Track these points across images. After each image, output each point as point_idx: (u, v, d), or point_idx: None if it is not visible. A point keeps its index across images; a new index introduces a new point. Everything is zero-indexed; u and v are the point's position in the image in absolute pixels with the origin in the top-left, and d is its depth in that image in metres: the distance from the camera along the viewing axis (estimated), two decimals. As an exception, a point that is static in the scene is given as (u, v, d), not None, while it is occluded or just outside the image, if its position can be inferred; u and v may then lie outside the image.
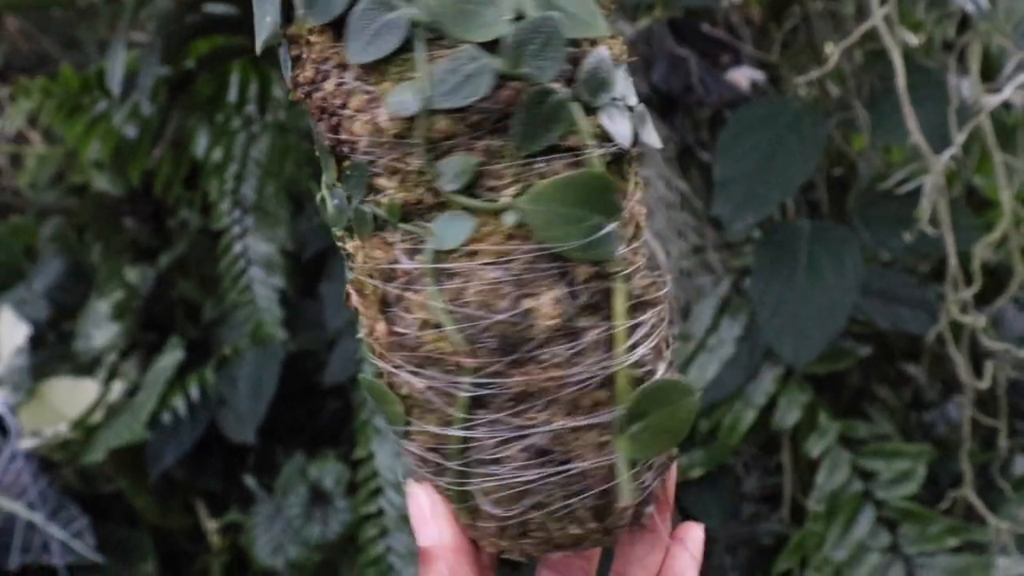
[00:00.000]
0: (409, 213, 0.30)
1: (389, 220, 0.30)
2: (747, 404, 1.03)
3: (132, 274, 1.65)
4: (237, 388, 1.36)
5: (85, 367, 1.66)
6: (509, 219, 0.29)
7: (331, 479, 1.28)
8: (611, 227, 0.30)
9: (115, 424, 1.45)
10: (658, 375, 0.32)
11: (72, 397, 1.65)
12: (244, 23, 1.07)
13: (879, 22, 0.74)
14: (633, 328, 0.30)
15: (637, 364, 0.31)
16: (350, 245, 0.32)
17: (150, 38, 0.94)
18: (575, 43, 0.30)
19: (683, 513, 1.09)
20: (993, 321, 0.93)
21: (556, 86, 0.29)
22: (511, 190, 0.29)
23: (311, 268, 1.45)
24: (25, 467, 1.51)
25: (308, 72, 0.31)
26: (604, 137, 0.30)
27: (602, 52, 0.30)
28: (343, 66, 0.29)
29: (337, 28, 0.29)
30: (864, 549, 0.96)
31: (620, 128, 0.31)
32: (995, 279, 1.03)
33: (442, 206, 0.29)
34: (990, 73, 1.00)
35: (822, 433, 1.01)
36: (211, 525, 1.46)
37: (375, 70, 0.29)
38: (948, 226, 0.80)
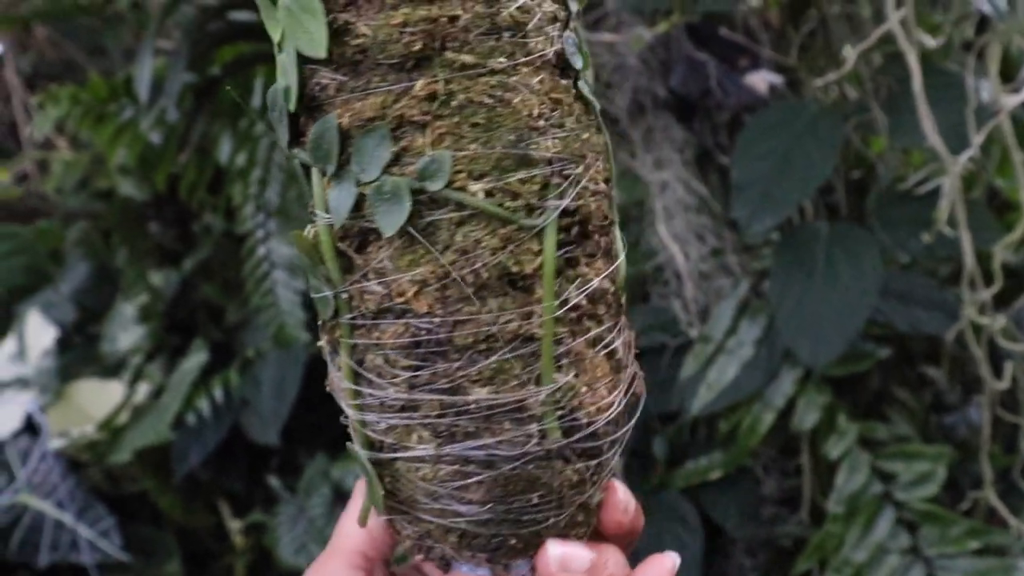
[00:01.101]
0: None
1: None
2: (766, 406, 1.03)
3: (157, 278, 1.68)
4: (260, 390, 1.38)
5: (111, 369, 1.69)
6: None
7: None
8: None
9: (141, 425, 1.47)
10: None
11: (98, 398, 1.67)
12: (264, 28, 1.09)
13: (895, 26, 0.74)
14: None
15: None
16: None
17: (176, 45, 0.96)
18: None
19: (703, 515, 1.09)
20: (1014, 322, 0.93)
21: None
22: None
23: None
24: (54, 467, 1.53)
25: None
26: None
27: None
28: None
29: None
30: (884, 551, 0.96)
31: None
32: (1016, 280, 1.02)
33: None
34: (1010, 74, 1.00)
35: (841, 435, 1.01)
36: (235, 525, 1.48)
37: None
38: (966, 226, 0.80)
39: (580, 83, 0.35)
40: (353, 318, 0.34)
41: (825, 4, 0.97)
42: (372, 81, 0.32)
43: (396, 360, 0.33)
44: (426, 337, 0.33)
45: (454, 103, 0.32)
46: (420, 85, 0.31)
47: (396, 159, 0.32)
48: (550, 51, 0.33)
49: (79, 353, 1.78)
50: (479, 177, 0.32)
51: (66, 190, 2.07)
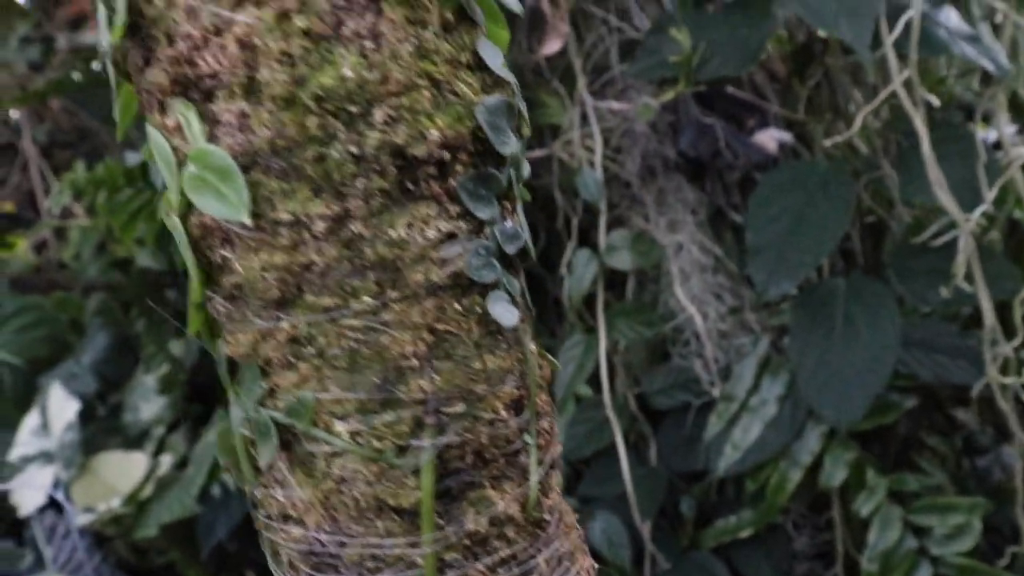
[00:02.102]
0: None
1: None
2: (793, 463, 1.02)
3: (176, 347, 1.69)
4: (283, 459, 1.37)
5: (134, 440, 1.70)
6: None
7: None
8: None
9: (166, 498, 1.47)
10: None
11: (122, 471, 1.68)
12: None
13: (899, 87, 0.74)
14: None
15: None
16: None
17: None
18: None
19: (736, 574, 1.08)
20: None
21: None
22: None
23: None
24: (80, 543, 1.53)
25: None
26: None
27: None
28: None
29: None
30: (922, 608, 0.94)
31: None
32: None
33: None
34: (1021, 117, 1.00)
35: (871, 491, 1.00)
36: (263, 596, 1.47)
37: None
38: (983, 284, 0.80)
39: (490, 297, 0.33)
40: (267, 516, 0.35)
41: (829, 57, 0.98)
42: (248, 317, 0.32)
43: (297, 565, 0.34)
44: (320, 549, 0.33)
45: (314, 347, 0.31)
46: (284, 328, 0.31)
47: (270, 393, 0.32)
48: (441, 275, 0.31)
49: (102, 425, 1.79)
50: (343, 418, 0.32)
51: (84, 257, 2.09)
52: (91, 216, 2.09)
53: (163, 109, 0.30)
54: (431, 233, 0.31)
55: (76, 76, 2.47)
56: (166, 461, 1.60)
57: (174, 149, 0.30)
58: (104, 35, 0.31)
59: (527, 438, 0.35)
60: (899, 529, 0.98)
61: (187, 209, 0.31)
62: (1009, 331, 0.90)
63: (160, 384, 1.63)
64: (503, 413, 0.33)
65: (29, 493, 1.69)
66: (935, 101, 0.77)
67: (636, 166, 0.96)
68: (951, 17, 0.80)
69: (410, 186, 0.30)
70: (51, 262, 2.38)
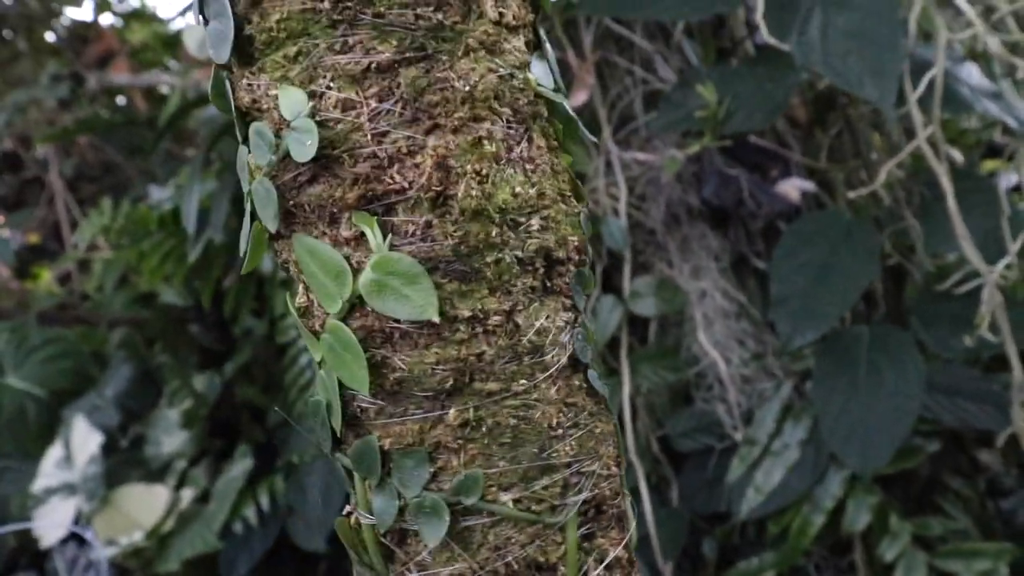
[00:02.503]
0: None
1: None
2: (815, 508, 1.02)
3: (199, 382, 1.70)
4: (306, 497, 1.38)
5: (155, 473, 1.71)
6: None
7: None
8: None
9: (188, 533, 1.48)
10: None
11: (144, 504, 1.69)
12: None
13: (923, 143, 0.76)
14: None
15: None
16: None
17: (222, 180, 1.00)
18: None
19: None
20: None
21: None
22: None
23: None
24: (102, 577, 1.54)
25: None
26: None
27: None
28: None
29: None
30: (948, 656, 0.94)
31: None
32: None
33: None
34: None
35: (895, 536, 1.00)
36: (283, 633, 1.47)
37: None
38: (1008, 334, 0.80)
39: (589, 374, 0.38)
40: None
41: (850, 107, 0.99)
42: (409, 409, 0.35)
43: None
44: None
45: (483, 428, 0.35)
46: (453, 414, 0.35)
47: (433, 476, 0.35)
48: (564, 357, 0.36)
49: (123, 457, 1.80)
50: (507, 488, 0.35)
51: (106, 289, 2.12)
52: (115, 250, 2.11)
53: (334, 221, 0.33)
54: (559, 322, 0.36)
55: (103, 113, 2.51)
56: (188, 495, 1.61)
57: (347, 258, 0.33)
58: (262, 156, 0.32)
59: (624, 488, 0.39)
60: (924, 574, 0.98)
61: (348, 312, 0.34)
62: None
63: (183, 418, 1.65)
64: (614, 468, 0.38)
65: (51, 525, 1.71)
66: (959, 157, 0.78)
67: (660, 214, 0.98)
68: (973, 73, 0.81)
69: (549, 283, 0.36)
70: (75, 293, 2.41)
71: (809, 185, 0.97)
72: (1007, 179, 1.19)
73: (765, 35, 0.76)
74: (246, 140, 0.34)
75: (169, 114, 1.50)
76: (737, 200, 0.95)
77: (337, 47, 0.31)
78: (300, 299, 0.36)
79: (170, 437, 1.71)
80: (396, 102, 0.32)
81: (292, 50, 0.32)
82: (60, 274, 2.48)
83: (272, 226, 0.34)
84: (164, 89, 2.54)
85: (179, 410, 1.65)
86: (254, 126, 0.33)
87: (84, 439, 1.81)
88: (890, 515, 1.01)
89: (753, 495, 1.03)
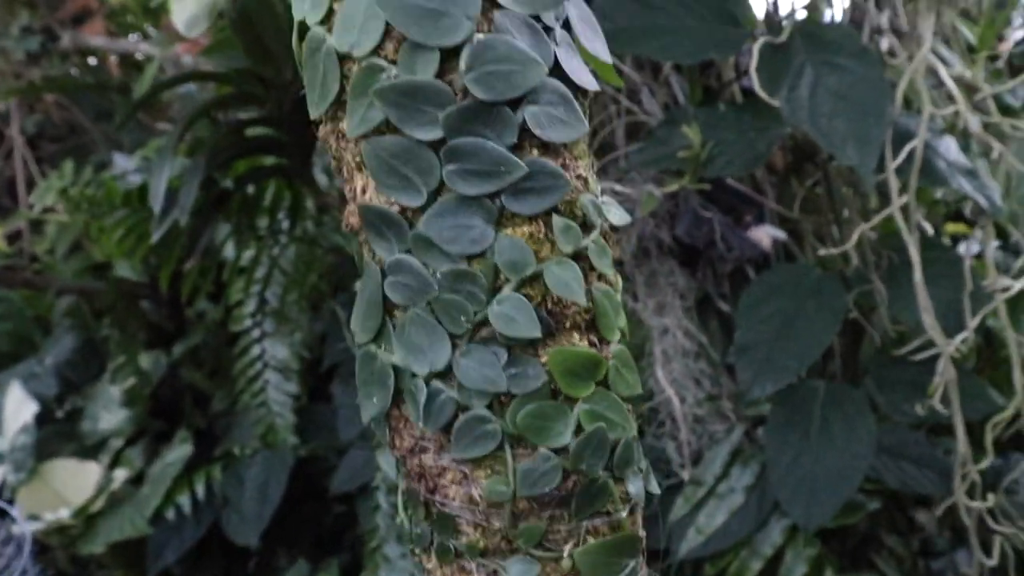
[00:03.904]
0: (486, 553, 0.36)
1: (468, 554, 0.34)
2: (754, 553, 1.03)
3: (145, 360, 1.66)
4: (243, 490, 1.36)
5: (89, 449, 1.66)
6: (566, 564, 0.37)
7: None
8: (635, 563, 0.39)
9: (117, 515, 1.44)
10: None
11: (74, 480, 1.64)
12: (282, 144, 1.12)
13: (896, 212, 0.77)
14: None
15: None
16: (429, 564, 0.38)
17: (194, 161, 0.98)
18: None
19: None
20: (1006, 494, 0.94)
21: (602, 475, 0.37)
22: (568, 545, 0.37)
23: (322, 370, 1.46)
24: (20, 552, 1.49)
25: (406, 442, 0.37)
26: (627, 499, 0.39)
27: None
28: (442, 447, 0.37)
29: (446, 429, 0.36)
30: None
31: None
32: (1014, 439, 1.03)
33: (514, 551, 0.37)
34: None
35: (828, 589, 1.01)
36: (205, 626, 1.44)
37: (472, 461, 0.36)
38: (958, 407, 0.82)
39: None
40: None
41: (828, 161, 1.00)
42: None
43: None
44: None
45: None
46: None
47: None
48: None
49: (57, 429, 1.75)
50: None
51: (58, 253, 2.06)
52: (71, 214, 2.05)
53: None
54: None
55: (74, 72, 2.45)
56: (121, 475, 1.57)
57: None
58: None
59: None
60: (852, 632, 0.99)
61: None
62: (978, 449, 0.93)
63: (124, 396, 1.61)
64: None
65: (-26, 493, 1.65)
66: (930, 229, 0.80)
67: (631, 246, 0.98)
68: (951, 148, 0.83)
69: None
70: (24, 253, 2.34)
71: (781, 233, 0.98)
72: (969, 246, 1.21)
73: (756, 87, 0.77)
74: None
75: (145, 88, 1.47)
76: (709, 241, 0.96)
77: None
78: None
79: (109, 414, 1.67)
80: None
81: None
82: (10, 232, 2.41)
83: None
84: (139, 56, 2.48)
85: (122, 387, 1.61)
86: None
87: (18, 407, 1.75)
88: (826, 568, 1.02)
89: (694, 535, 1.03)
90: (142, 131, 2.35)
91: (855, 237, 0.79)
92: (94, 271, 1.94)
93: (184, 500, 1.38)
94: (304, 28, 0.35)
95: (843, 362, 1.03)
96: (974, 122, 0.77)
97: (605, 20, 0.85)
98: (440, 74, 0.33)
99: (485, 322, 0.35)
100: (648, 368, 0.99)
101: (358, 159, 0.35)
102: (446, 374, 0.35)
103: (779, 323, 0.87)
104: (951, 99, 0.79)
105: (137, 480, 1.56)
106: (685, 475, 1.05)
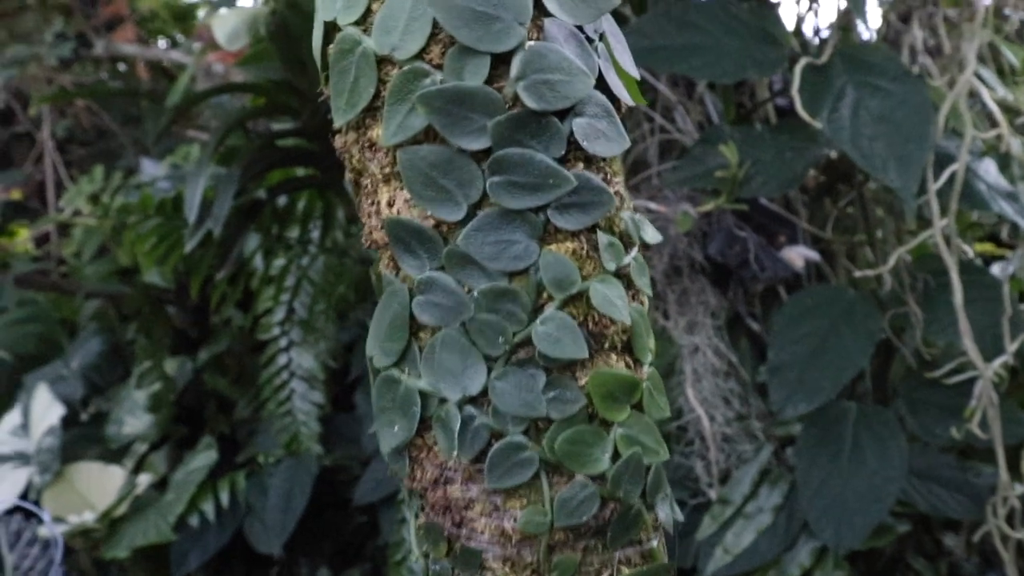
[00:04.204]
0: None
1: None
2: (781, 574, 1.02)
3: (171, 365, 1.67)
4: (267, 498, 1.36)
5: (114, 453, 1.67)
6: None
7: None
8: None
9: (141, 520, 1.45)
10: None
11: (98, 483, 1.65)
12: (314, 155, 1.12)
13: (938, 235, 0.76)
14: None
15: None
16: None
17: (228, 172, 0.99)
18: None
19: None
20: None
21: (637, 502, 0.35)
22: None
23: (347, 380, 1.46)
24: (51, 553, 1.50)
25: (429, 473, 0.35)
26: (657, 526, 0.37)
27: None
28: (471, 477, 0.34)
29: (476, 458, 0.34)
30: None
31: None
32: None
33: None
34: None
35: (857, 613, 1.00)
36: (226, 633, 1.44)
37: (506, 491, 0.34)
38: (998, 432, 0.81)
39: None
40: None
41: (865, 183, 1.00)
42: None
43: None
44: None
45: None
46: None
47: None
48: None
49: (82, 431, 1.76)
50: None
51: (84, 256, 2.08)
52: (100, 219, 2.07)
53: None
54: None
55: (104, 77, 2.48)
56: (144, 480, 1.58)
57: None
58: None
59: None
60: (880, 657, 0.98)
61: None
62: (1015, 474, 0.91)
63: (150, 401, 1.62)
64: None
65: (-1, 492, 1.66)
66: (970, 252, 0.79)
67: (663, 264, 0.98)
68: (991, 171, 0.82)
69: None
70: (51, 256, 2.37)
71: (814, 254, 0.97)
72: (1004, 268, 1.20)
73: (798, 108, 0.76)
74: None
75: (177, 97, 1.48)
76: (741, 260, 0.95)
77: None
78: None
79: (134, 418, 1.68)
80: None
81: None
82: (38, 234, 2.44)
83: None
84: (168, 63, 2.51)
85: (147, 392, 1.62)
86: None
87: (45, 409, 1.77)
88: (854, 591, 1.01)
89: (721, 555, 1.02)
90: (169, 136, 2.37)
91: (892, 260, 0.79)
92: (120, 275, 1.96)
93: (208, 507, 1.39)
94: (333, 29, 0.33)
95: (873, 382, 1.02)
96: (1016, 145, 0.77)
97: (643, 38, 0.85)
98: (489, 80, 0.32)
99: (523, 343, 0.33)
100: (678, 387, 0.99)
101: (386, 170, 0.34)
102: (480, 399, 0.33)
103: (813, 344, 0.86)
104: (992, 122, 0.79)
105: (160, 485, 1.56)
106: (713, 494, 1.05)
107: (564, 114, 0.32)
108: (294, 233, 1.20)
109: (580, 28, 0.33)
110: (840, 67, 0.79)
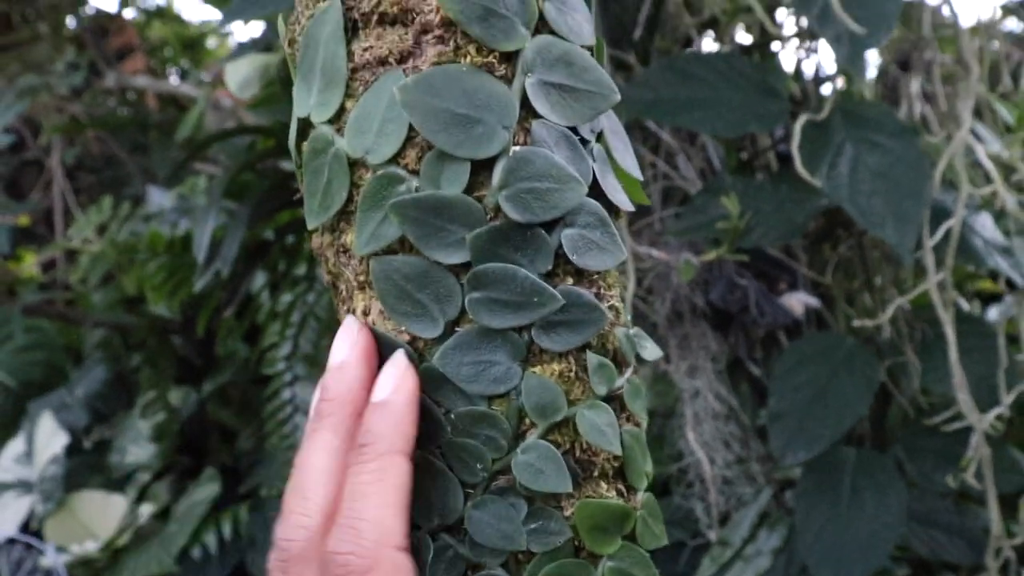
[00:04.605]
0: None
1: None
2: (780, 618, 1.03)
3: (175, 396, 1.69)
4: (270, 531, 1.36)
5: (116, 482, 1.68)
6: None
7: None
8: None
9: (144, 551, 1.45)
10: None
11: (101, 512, 1.65)
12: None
13: (933, 288, 0.78)
14: None
15: None
16: None
17: (237, 213, 1.00)
18: None
19: None
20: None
21: None
22: None
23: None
24: (49, 584, 1.51)
25: None
26: None
27: None
28: None
29: None
30: None
31: None
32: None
33: None
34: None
35: (855, 658, 1.00)
36: (227, 667, 1.44)
37: None
38: (991, 482, 0.82)
39: None
40: None
41: (859, 230, 1.01)
42: None
43: None
44: None
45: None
46: None
47: None
48: None
49: (85, 460, 1.77)
50: None
51: (90, 283, 2.10)
52: (107, 246, 2.08)
53: None
54: None
55: (111, 104, 2.51)
56: (147, 510, 1.59)
57: None
58: None
59: None
60: None
61: None
62: (1012, 520, 0.92)
63: (154, 431, 1.63)
64: None
65: (1, 521, 1.67)
66: (966, 306, 0.80)
67: (665, 309, 0.99)
68: (987, 225, 0.84)
69: None
70: (57, 282, 2.39)
71: (814, 300, 0.99)
72: (1003, 312, 1.22)
73: (797, 165, 0.78)
74: None
75: (188, 130, 1.50)
76: (742, 306, 0.97)
77: None
78: None
79: (137, 447, 1.69)
80: None
81: None
82: (44, 260, 2.46)
83: None
84: (173, 88, 2.54)
85: (151, 422, 1.63)
86: None
87: (49, 437, 1.78)
88: (852, 636, 1.01)
89: (720, 597, 1.03)
90: (176, 165, 2.40)
91: (890, 311, 0.80)
92: (126, 303, 1.97)
93: (211, 539, 1.40)
94: (306, 126, 0.32)
95: (872, 426, 1.04)
96: (1011, 201, 0.78)
97: (648, 90, 0.88)
98: (469, 189, 0.29)
99: (503, 470, 0.31)
100: (679, 429, 1.00)
101: (361, 278, 0.32)
102: (456, 528, 0.31)
103: (812, 392, 0.87)
104: (988, 178, 0.80)
105: (163, 515, 1.57)
106: (713, 536, 1.05)
107: (552, 225, 0.30)
108: (301, 270, 1.22)
109: (574, 129, 0.31)
110: (839, 122, 0.81)
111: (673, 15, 1.07)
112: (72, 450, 1.72)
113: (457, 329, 0.30)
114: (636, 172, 0.35)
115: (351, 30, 0.31)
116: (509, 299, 0.30)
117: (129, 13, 2.78)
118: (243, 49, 1.31)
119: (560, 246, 0.30)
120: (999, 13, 1.01)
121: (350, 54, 0.31)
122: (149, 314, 1.69)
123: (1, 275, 2.31)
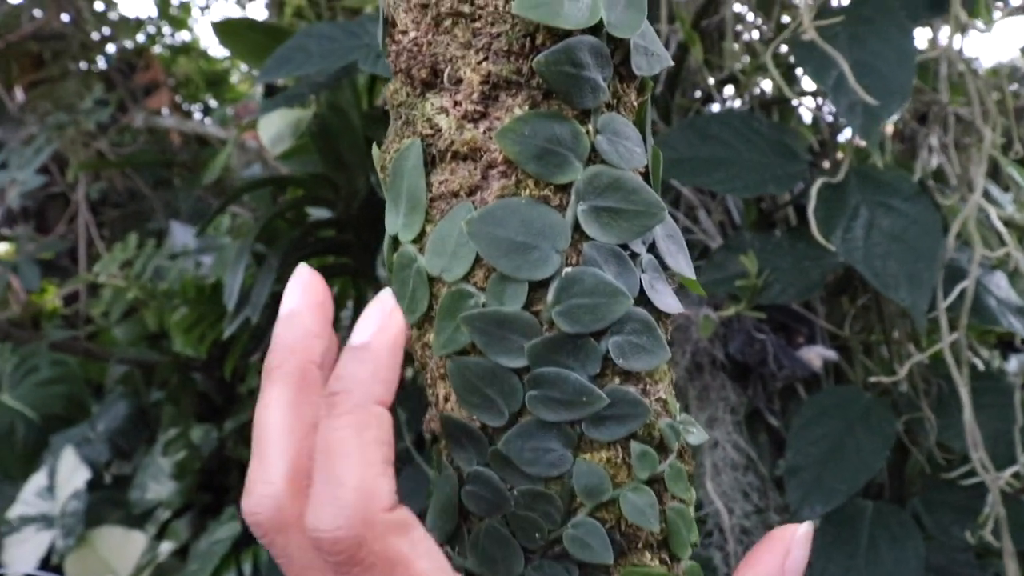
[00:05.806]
0: None
1: None
2: (798, 669, 1.03)
3: (196, 433, 1.71)
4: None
5: (136, 519, 1.70)
6: None
7: None
8: None
9: (163, 590, 1.47)
10: None
11: (121, 549, 1.67)
12: (348, 245, 1.17)
13: (946, 349, 0.79)
14: None
15: None
16: None
17: (267, 261, 1.03)
18: None
19: None
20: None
21: None
22: None
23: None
24: (68, 622, 1.52)
25: None
26: None
27: None
28: None
29: None
30: None
31: None
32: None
33: None
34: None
35: None
36: None
37: None
38: (1008, 541, 0.83)
39: None
40: None
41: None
42: None
43: None
44: None
45: None
46: None
47: None
48: None
49: (105, 495, 1.79)
50: None
51: (112, 317, 2.13)
52: (131, 282, 2.12)
53: None
54: None
55: (132, 138, 2.56)
56: (166, 548, 1.61)
57: None
58: None
59: None
60: None
61: None
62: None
63: (175, 469, 1.65)
64: None
65: (21, 555, 1.69)
66: (980, 365, 0.82)
67: (686, 361, 1.01)
68: (1002, 285, 0.85)
69: None
70: (79, 315, 2.42)
71: (831, 354, 1.01)
72: (1018, 363, 1.23)
73: (813, 230, 0.80)
74: None
75: (215, 174, 1.54)
76: (760, 359, 0.99)
77: None
78: None
79: (158, 484, 1.71)
80: None
81: None
82: (67, 293, 2.50)
83: None
84: (197, 122, 2.59)
85: (173, 460, 1.65)
86: None
87: (71, 472, 1.80)
88: None
89: (737, 647, 1.04)
90: (198, 200, 2.44)
91: (905, 368, 0.82)
92: (148, 339, 2.00)
93: (231, 579, 1.41)
94: (395, 241, 0.36)
95: (890, 479, 1.04)
96: (1023, 262, 0.80)
97: (670, 149, 0.90)
98: (527, 304, 0.34)
99: (559, 540, 0.35)
100: (698, 479, 1.01)
101: (441, 371, 0.36)
102: None
103: (829, 446, 0.89)
104: (1002, 240, 0.82)
105: (182, 553, 1.59)
106: (730, 587, 1.06)
107: (601, 334, 0.34)
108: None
109: (624, 245, 0.35)
110: (855, 185, 0.83)
111: (694, 71, 1.10)
112: (93, 485, 1.74)
113: (519, 420, 0.34)
114: (689, 272, 0.38)
115: (429, 163, 0.35)
116: (562, 398, 0.34)
117: (156, 49, 2.85)
118: (269, 92, 1.35)
119: (607, 351, 0.34)
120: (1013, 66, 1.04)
121: (429, 185, 0.35)
122: (172, 352, 1.72)
123: (25, 308, 2.35)
